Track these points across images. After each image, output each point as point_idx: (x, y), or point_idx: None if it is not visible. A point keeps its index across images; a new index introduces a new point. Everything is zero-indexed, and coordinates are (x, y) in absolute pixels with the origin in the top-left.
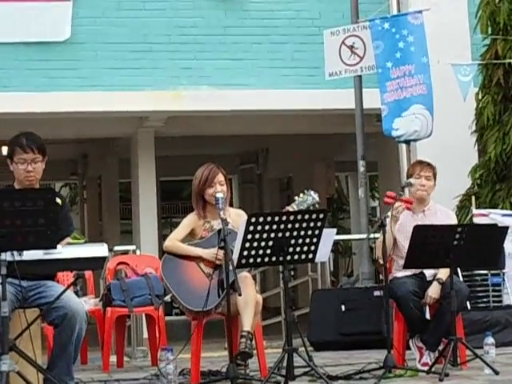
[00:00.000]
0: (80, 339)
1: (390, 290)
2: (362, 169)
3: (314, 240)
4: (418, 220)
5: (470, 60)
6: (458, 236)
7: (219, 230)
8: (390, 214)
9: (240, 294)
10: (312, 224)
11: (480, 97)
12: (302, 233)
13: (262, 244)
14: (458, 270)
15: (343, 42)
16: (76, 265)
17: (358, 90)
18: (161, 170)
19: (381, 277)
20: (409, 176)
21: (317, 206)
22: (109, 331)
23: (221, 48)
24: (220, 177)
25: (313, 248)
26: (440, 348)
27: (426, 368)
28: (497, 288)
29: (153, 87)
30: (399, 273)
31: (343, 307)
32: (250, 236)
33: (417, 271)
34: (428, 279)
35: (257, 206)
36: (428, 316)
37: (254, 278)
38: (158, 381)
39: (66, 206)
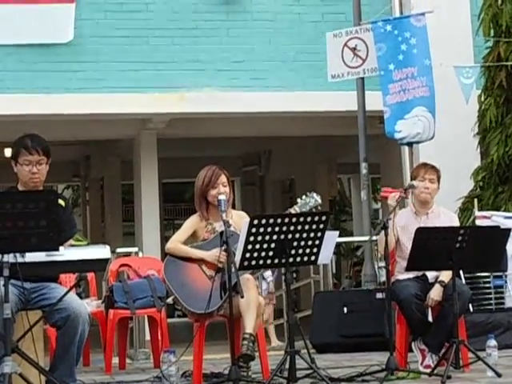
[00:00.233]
0: (82, 341)
1: (392, 293)
2: (364, 171)
3: (317, 242)
4: (421, 222)
5: (472, 62)
6: (460, 238)
7: (221, 232)
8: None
9: (242, 296)
10: (314, 226)
11: (482, 99)
12: (305, 235)
13: (265, 246)
14: (461, 272)
15: (346, 44)
16: (78, 267)
17: (361, 92)
18: (163, 171)
19: (383, 279)
20: (412, 178)
21: (319, 208)
22: (111, 333)
23: (223, 50)
24: (223, 178)
25: (315, 250)
26: (442, 351)
27: (428, 370)
28: (499, 290)
29: (155, 89)
30: (401, 275)
31: (345, 309)
32: (252, 238)
33: (419, 273)
34: (430, 281)
35: (259, 208)
36: (430, 318)
37: (255, 280)
38: (161, 383)
39: (68, 207)
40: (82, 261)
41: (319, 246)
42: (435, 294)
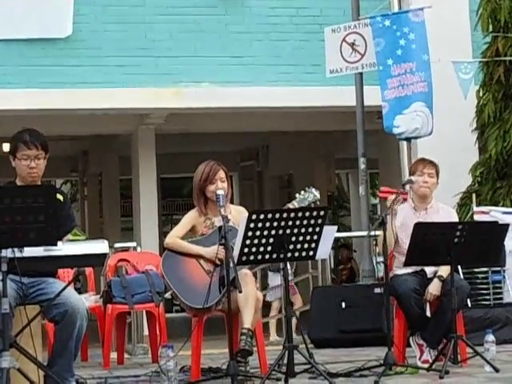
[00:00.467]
0: (80, 336)
1: (390, 288)
2: (362, 166)
3: (315, 237)
4: (420, 217)
5: (470, 58)
6: (458, 233)
7: (220, 227)
8: (389, 211)
9: (240, 291)
10: (312, 221)
11: (481, 94)
12: (303, 230)
13: (263, 241)
14: (459, 267)
15: (344, 39)
16: (76, 262)
17: (359, 87)
18: (161, 167)
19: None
20: (411, 173)
21: (318, 203)
22: (109, 328)
23: (221, 45)
24: (221, 173)
25: (313, 245)
26: (440, 346)
27: (426, 365)
28: (497, 285)
29: (153, 84)
30: (400, 270)
31: (344, 304)
32: (250, 233)
33: (417, 268)
34: (429, 276)
35: (257, 204)
36: (428, 313)
37: (254, 275)
38: (159, 378)
39: (67, 202)
40: (80, 256)
41: (317, 241)
42: (433, 288)
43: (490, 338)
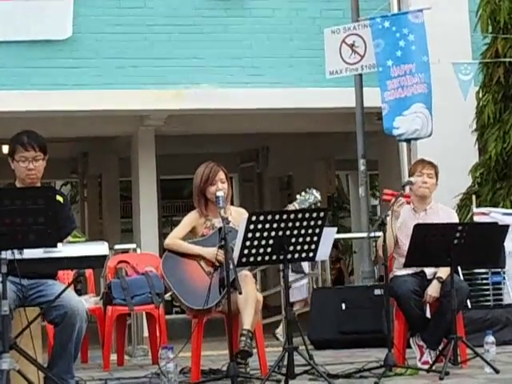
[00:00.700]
0: (80, 338)
1: (390, 289)
2: (362, 167)
3: (315, 239)
4: (419, 218)
5: (470, 59)
6: (458, 235)
7: (220, 228)
8: (389, 212)
9: (240, 293)
10: (312, 223)
11: (480, 95)
12: (303, 231)
13: (263, 242)
14: (459, 268)
15: (344, 41)
16: (76, 263)
17: (359, 89)
18: (161, 168)
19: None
20: (411, 174)
21: (318, 204)
22: (109, 330)
23: (221, 46)
24: (221, 175)
25: (313, 247)
26: (440, 347)
27: (426, 366)
28: (497, 287)
29: (153, 86)
30: (400, 271)
31: (343, 306)
32: (250, 235)
33: (417, 270)
34: (428, 278)
35: (257, 205)
36: (428, 314)
37: (254, 276)
38: (159, 379)
39: (67, 203)
40: (80, 257)
41: (317, 243)
42: (433, 290)
43: (490, 339)
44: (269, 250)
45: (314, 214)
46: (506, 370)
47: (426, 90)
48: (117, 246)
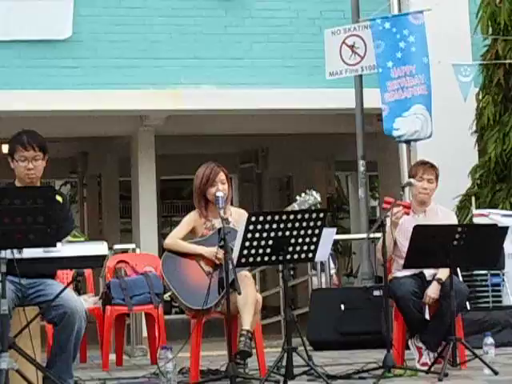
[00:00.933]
0: (79, 337)
1: (389, 290)
2: (362, 168)
3: (314, 239)
4: (418, 220)
5: (470, 60)
6: (457, 236)
7: (220, 229)
8: (389, 217)
9: (240, 293)
10: (312, 223)
11: (480, 97)
12: (302, 232)
13: (262, 243)
14: (458, 270)
15: (344, 42)
16: (76, 263)
17: (359, 90)
18: (161, 168)
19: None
20: (411, 176)
21: (318, 205)
22: (108, 330)
23: (221, 47)
24: (221, 175)
25: (312, 247)
26: (439, 348)
27: (425, 368)
28: (496, 288)
29: (153, 86)
30: (399, 273)
31: (343, 307)
32: (249, 235)
33: (416, 271)
34: (428, 279)
35: (256, 206)
36: (427, 316)
37: (253, 277)
38: (158, 379)
39: (66, 203)
40: (79, 257)
41: (316, 244)
42: (432, 291)
43: (489, 340)
44: (268, 250)
45: (314, 215)
46: (504, 372)
47: (426, 91)
48: (116, 246)
